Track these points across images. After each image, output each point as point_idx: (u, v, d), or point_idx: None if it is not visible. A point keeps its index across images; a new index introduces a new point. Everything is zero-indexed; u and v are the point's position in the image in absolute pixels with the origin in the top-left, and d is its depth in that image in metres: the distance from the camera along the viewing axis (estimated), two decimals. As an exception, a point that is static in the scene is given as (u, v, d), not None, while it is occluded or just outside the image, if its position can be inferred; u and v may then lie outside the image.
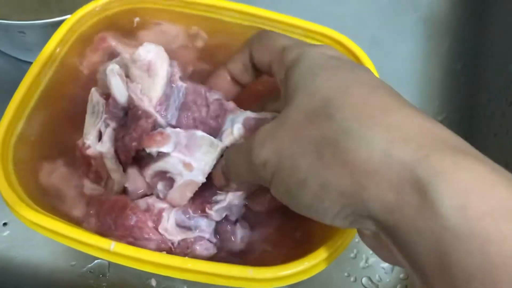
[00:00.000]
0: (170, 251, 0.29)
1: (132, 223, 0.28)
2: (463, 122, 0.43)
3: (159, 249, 0.28)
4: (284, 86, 0.26)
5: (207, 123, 0.30)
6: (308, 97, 0.23)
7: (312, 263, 0.27)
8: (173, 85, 0.30)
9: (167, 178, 0.29)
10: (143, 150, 0.28)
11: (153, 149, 0.28)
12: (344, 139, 0.21)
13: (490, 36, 0.45)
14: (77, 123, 0.32)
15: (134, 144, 0.29)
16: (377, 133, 0.20)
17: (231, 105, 0.30)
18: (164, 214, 0.28)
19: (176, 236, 0.28)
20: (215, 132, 0.30)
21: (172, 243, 0.28)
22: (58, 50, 0.34)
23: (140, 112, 0.29)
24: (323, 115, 0.22)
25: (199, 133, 0.29)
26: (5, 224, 0.40)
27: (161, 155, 0.28)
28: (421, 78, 0.46)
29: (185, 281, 0.38)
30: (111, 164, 0.30)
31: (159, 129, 0.29)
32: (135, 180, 0.29)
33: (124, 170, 0.30)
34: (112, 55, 0.35)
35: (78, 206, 0.31)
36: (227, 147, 0.29)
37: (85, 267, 0.39)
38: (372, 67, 0.33)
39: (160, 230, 0.28)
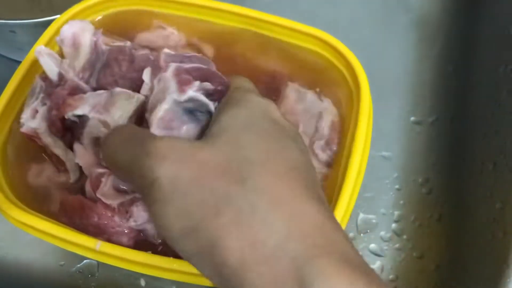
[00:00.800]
0: (112, 221, 0.28)
1: (96, 221, 0.28)
2: (454, 123, 0.43)
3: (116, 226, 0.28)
4: (217, 113, 0.25)
5: (128, 77, 0.30)
6: (232, 147, 0.22)
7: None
8: (98, 51, 0.31)
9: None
10: (68, 119, 0.29)
11: (69, 114, 0.28)
12: (248, 214, 0.20)
13: (480, 39, 0.45)
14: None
15: (53, 113, 0.29)
16: (280, 220, 0.20)
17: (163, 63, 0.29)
18: (103, 179, 0.28)
19: (113, 200, 0.27)
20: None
21: (113, 209, 0.27)
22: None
23: (63, 83, 0.30)
24: (237, 174, 0.21)
25: (117, 89, 0.29)
26: (-6, 223, 0.40)
27: (84, 120, 0.28)
28: (412, 80, 0.46)
29: (173, 282, 0.38)
30: (46, 139, 0.30)
31: (78, 95, 0.29)
32: (83, 155, 0.29)
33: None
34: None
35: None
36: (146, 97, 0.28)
37: (74, 267, 0.39)
38: (361, 69, 0.33)
39: (98, 195, 0.27)
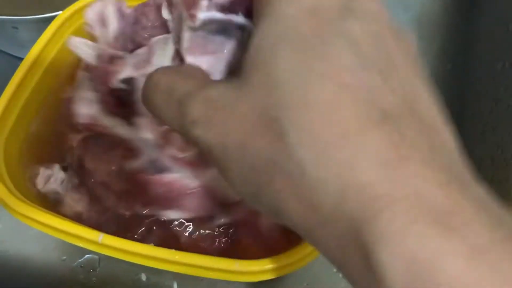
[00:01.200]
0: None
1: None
2: (452, 121, 0.44)
3: None
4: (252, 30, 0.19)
5: (159, 25, 0.29)
6: (264, 88, 0.17)
7: (299, 256, 0.27)
8: (124, 15, 0.30)
9: None
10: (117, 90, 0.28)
11: (115, 83, 0.28)
12: (298, 174, 0.16)
13: (479, 36, 0.45)
14: (70, 120, 0.33)
15: (101, 87, 0.29)
16: (330, 174, 0.16)
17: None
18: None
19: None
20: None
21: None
22: (50, 45, 0.34)
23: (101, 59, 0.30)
24: (276, 128, 0.17)
25: (152, 40, 0.27)
26: (-4, 219, 0.40)
27: (133, 85, 0.28)
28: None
29: (174, 277, 0.38)
30: (104, 121, 0.29)
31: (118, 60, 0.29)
32: (146, 126, 0.27)
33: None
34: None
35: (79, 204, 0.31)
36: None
37: (75, 262, 0.39)
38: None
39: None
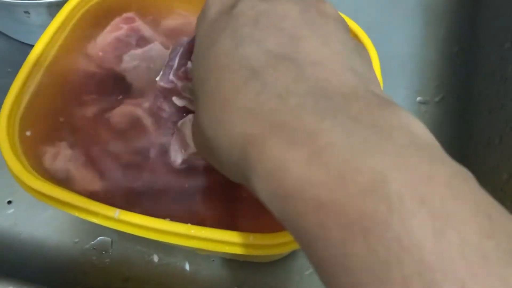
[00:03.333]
0: None
1: None
2: (460, 102, 0.44)
3: None
4: None
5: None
6: (193, 87, 0.23)
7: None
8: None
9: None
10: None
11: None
12: (202, 135, 0.22)
13: (485, 19, 0.45)
14: (81, 102, 0.33)
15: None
16: (220, 134, 0.20)
17: None
18: None
19: None
20: None
21: None
22: (62, 28, 0.35)
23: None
24: (196, 120, 0.23)
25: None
26: (9, 202, 0.41)
27: None
28: (419, 62, 0.47)
29: (186, 257, 0.39)
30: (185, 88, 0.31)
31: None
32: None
33: None
34: (141, 39, 0.36)
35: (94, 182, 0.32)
36: None
37: (88, 244, 0.39)
38: (372, 48, 0.33)
39: None
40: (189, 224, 0.27)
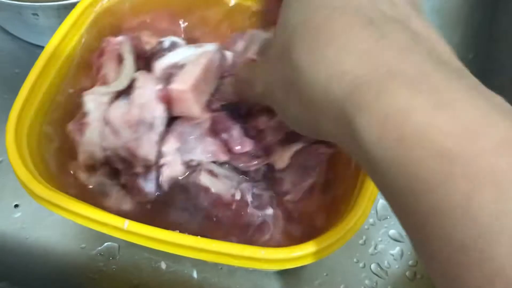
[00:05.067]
0: None
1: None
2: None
3: None
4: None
5: None
6: (282, 30, 0.23)
7: (322, 246, 0.27)
8: None
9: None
10: None
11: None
12: (298, 80, 0.21)
13: (501, 26, 0.45)
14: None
15: None
16: (320, 69, 0.20)
17: None
18: None
19: None
20: None
21: None
22: (71, 33, 0.34)
23: None
24: (286, 54, 0.22)
25: None
26: (16, 205, 0.40)
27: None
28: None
29: (194, 264, 0.38)
30: None
31: None
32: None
33: None
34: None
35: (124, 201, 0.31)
36: None
37: (95, 249, 0.39)
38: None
39: None
40: (198, 237, 0.27)
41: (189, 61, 0.30)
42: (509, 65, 0.41)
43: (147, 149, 0.29)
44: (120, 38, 0.33)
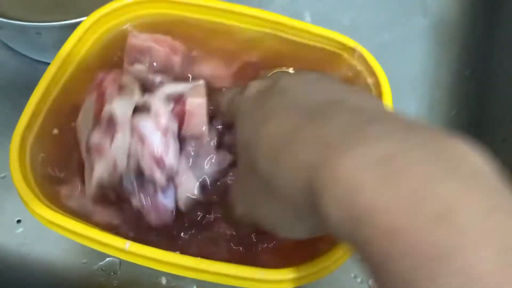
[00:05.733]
0: None
1: None
2: (472, 128, 0.44)
3: None
4: None
5: None
6: (242, 148, 0.25)
7: (322, 265, 0.28)
8: None
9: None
10: None
11: None
12: (270, 185, 0.22)
13: (499, 42, 0.45)
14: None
15: None
16: (284, 172, 0.21)
17: None
18: None
19: None
20: None
21: None
22: (75, 50, 0.34)
23: None
24: (253, 168, 0.23)
25: None
26: (19, 221, 0.41)
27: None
28: (430, 83, 0.46)
29: (194, 280, 0.39)
30: None
31: None
32: None
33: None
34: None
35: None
36: None
37: (96, 264, 0.39)
38: (384, 76, 0.33)
39: None
40: (199, 258, 0.27)
41: (190, 87, 0.31)
42: (507, 82, 0.41)
43: (172, 157, 0.30)
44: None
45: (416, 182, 0.16)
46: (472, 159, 0.18)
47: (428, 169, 0.17)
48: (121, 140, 0.30)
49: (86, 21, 0.35)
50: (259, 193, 0.24)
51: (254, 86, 0.27)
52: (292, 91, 0.24)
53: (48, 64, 0.33)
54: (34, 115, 0.32)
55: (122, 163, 0.30)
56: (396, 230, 0.16)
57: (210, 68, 0.37)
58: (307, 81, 0.25)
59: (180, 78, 0.35)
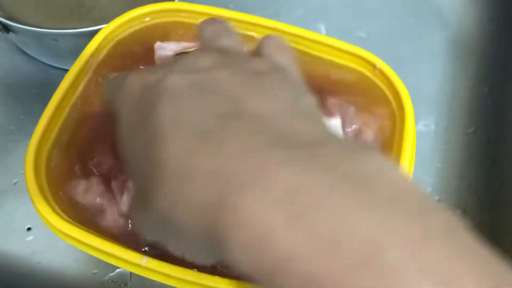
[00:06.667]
0: None
1: None
2: (491, 146, 0.43)
3: None
4: None
5: None
6: (136, 184, 0.22)
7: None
8: None
9: None
10: None
11: None
12: (170, 221, 0.20)
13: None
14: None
15: None
16: (182, 209, 0.19)
17: None
18: None
19: None
20: None
21: None
22: (93, 59, 0.34)
23: None
24: (150, 205, 0.20)
25: None
26: (29, 229, 0.40)
27: None
28: (447, 99, 0.46)
29: (206, 295, 0.38)
30: None
31: None
32: None
33: None
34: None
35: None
36: None
37: (107, 275, 0.39)
38: (404, 90, 0.33)
39: None
40: (215, 276, 0.27)
41: None
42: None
43: None
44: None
45: (329, 220, 0.14)
46: (389, 176, 0.15)
47: (340, 200, 0.14)
48: None
49: (106, 29, 0.35)
50: (160, 227, 0.20)
51: (136, 81, 0.22)
52: (180, 97, 0.19)
53: (63, 69, 0.33)
54: (51, 122, 0.32)
55: None
56: (314, 279, 0.14)
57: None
58: (200, 82, 0.20)
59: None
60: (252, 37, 0.36)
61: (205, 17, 0.36)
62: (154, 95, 0.20)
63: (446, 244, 0.14)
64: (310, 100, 0.21)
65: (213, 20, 0.27)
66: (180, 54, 0.27)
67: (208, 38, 0.25)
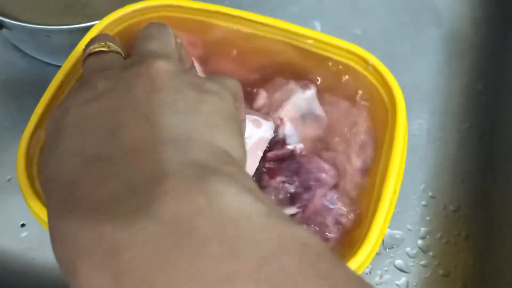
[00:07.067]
0: None
1: None
2: (483, 142, 0.43)
3: None
4: None
5: None
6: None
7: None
8: None
9: None
10: None
11: None
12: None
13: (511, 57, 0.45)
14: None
15: None
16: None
17: None
18: None
19: None
20: None
21: None
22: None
23: None
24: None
25: None
26: (23, 225, 0.40)
27: None
28: (441, 96, 0.46)
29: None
30: None
31: None
32: None
33: None
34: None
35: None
36: None
37: (100, 271, 0.39)
38: (397, 87, 0.33)
39: None
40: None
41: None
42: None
43: None
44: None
45: (147, 278, 0.14)
46: (220, 206, 0.15)
47: (158, 251, 0.14)
48: None
49: (98, 25, 0.35)
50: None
51: (68, 102, 0.21)
52: (73, 142, 0.19)
53: (57, 66, 0.33)
54: (42, 118, 0.31)
55: None
56: None
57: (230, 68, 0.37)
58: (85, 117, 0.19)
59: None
60: (248, 34, 0.36)
61: (199, 13, 0.36)
62: (54, 137, 0.20)
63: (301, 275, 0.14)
64: (206, 110, 0.21)
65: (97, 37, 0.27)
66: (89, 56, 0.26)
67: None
